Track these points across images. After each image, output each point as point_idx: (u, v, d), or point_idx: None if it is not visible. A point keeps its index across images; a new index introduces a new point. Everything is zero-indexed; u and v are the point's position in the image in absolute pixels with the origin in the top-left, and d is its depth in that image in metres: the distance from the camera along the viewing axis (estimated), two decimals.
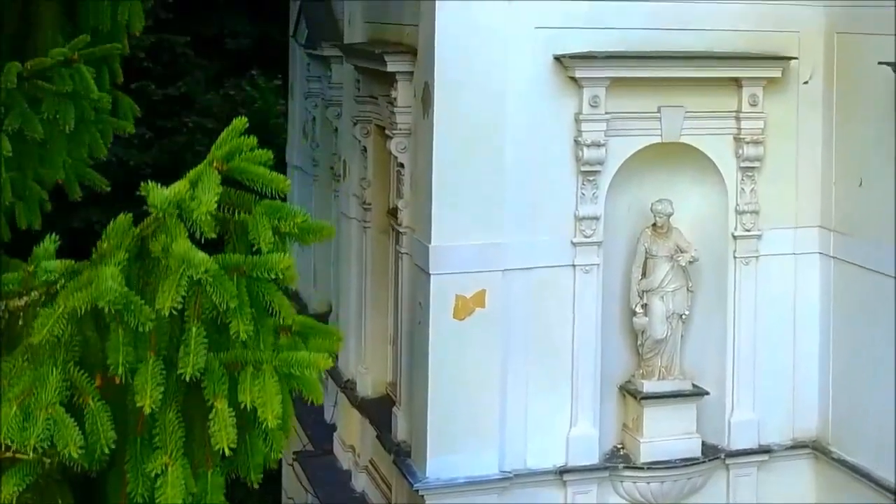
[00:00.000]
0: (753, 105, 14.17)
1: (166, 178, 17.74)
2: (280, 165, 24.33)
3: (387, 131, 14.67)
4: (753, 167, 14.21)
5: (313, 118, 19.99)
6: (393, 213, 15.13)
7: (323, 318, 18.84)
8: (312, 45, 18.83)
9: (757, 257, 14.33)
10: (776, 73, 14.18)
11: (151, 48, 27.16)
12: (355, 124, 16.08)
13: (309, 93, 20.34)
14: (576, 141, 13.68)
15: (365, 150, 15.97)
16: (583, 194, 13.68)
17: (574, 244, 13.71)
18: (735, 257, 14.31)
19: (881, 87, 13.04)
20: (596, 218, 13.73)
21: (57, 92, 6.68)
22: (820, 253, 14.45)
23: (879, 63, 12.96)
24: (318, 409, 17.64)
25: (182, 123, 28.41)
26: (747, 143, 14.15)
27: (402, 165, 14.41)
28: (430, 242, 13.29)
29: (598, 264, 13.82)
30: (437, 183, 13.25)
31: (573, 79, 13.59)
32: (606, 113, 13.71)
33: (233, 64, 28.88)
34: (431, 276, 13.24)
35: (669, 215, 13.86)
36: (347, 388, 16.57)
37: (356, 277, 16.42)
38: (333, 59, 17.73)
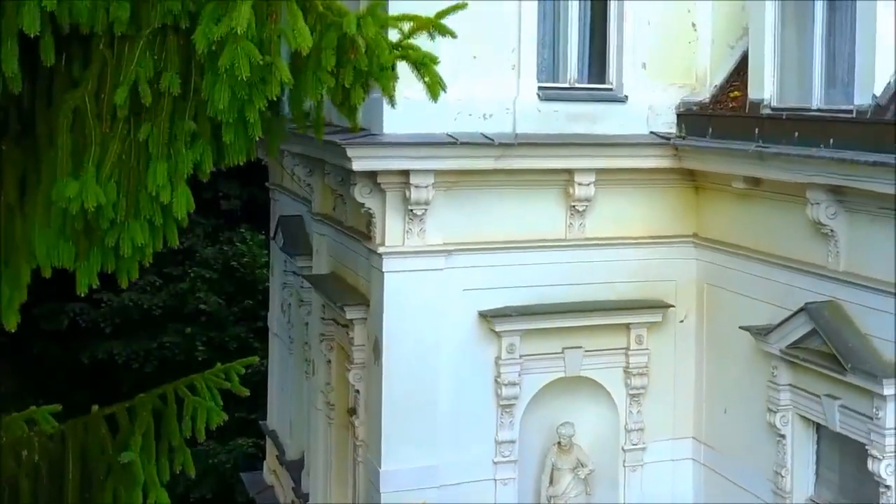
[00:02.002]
0: (639, 343, 14.43)
1: (173, 319, 17.91)
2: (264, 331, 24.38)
3: (346, 361, 14.75)
4: (640, 393, 14.47)
5: (289, 304, 19.89)
6: (352, 411, 15.12)
7: (297, 464, 18.97)
8: (288, 253, 18.77)
9: (642, 465, 14.57)
10: (658, 318, 14.42)
11: None
12: (321, 341, 16.17)
13: (285, 284, 20.28)
14: (496, 380, 13.89)
15: (329, 361, 16.06)
16: (502, 422, 13.94)
17: (495, 463, 13.91)
18: (624, 466, 14.53)
19: (740, 332, 13.35)
20: (512, 441, 13.97)
21: None
22: (692, 460, 14.66)
23: (740, 327, 13.23)
24: None
25: (186, 272, 28.53)
26: (634, 374, 14.43)
27: (358, 392, 14.53)
28: (380, 467, 13.49)
29: (514, 478, 14.04)
30: (387, 419, 13.51)
31: (493, 330, 13.74)
32: (520, 356, 13.95)
33: (226, 221, 28.92)
34: (382, 494, 13.43)
35: (571, 436, 14.14)
36: None
37: (322, 462, 16.50)
38: (306, 269, 17.71)
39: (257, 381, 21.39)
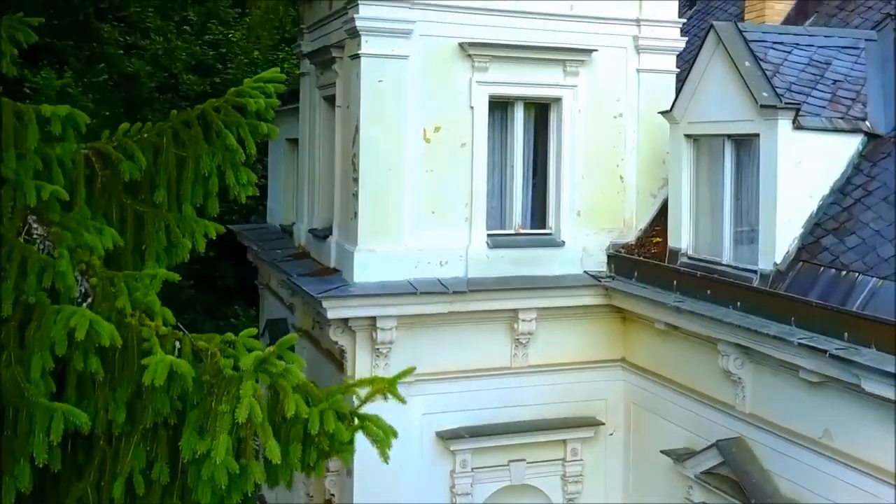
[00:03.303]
0: (574, 455, 14.46)
1: None
2: None
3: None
4: (575, 499, 14.47)
5: None
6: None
7: None
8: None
9: None
10: (590, 434, 14.40)
11: None
12: None
13: None
14: (451, 490, 13.82)
15: None
16: None
17: None
18: None
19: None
20: None
21: None
22: None
23: (661, 451, 13.20)
24: None
25: None
26: (570, 482, 14.44)
27: (333, 495, 14.44)
28: None
29: None
30: None
31: (449, 449, 13.67)
32: (472, 469, 13.91)
33: (223, 298, 28.64)
34: None
35: None
36: None
37: None
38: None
39: None
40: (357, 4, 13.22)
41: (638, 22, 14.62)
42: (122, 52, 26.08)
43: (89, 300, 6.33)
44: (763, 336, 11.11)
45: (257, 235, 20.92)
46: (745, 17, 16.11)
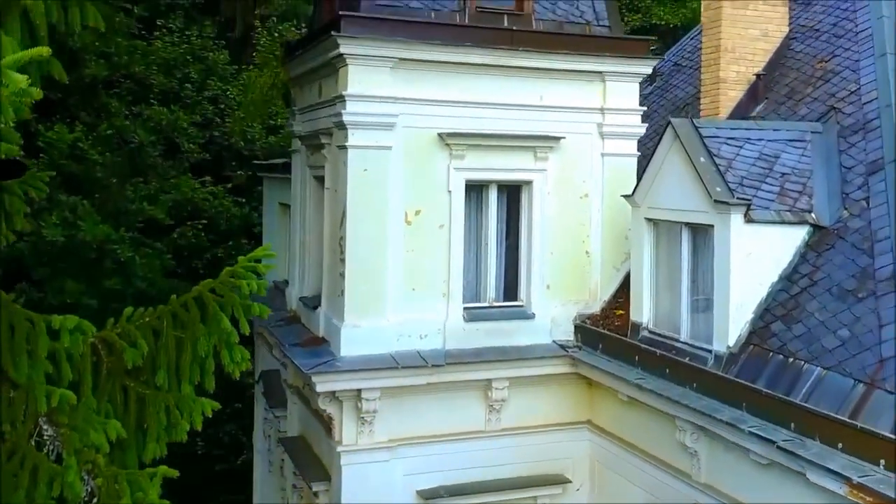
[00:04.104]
0: None
1: None
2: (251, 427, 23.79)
3: None
4: None
5: (269, 435, 19.48)
6: None
7: None
8: (267, 399, 18.43)
9: None
10: (559, 491, 14.39)
11: None
12: (293, 487, 15.89)
13: (266, 419, 19.85)
14: None
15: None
16: None
17: None
18: None
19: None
20: None
21: None
22: None
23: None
24: None
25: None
26: None
27: None
28: None
29: None
30: None
31: None
32: None
33: None
34: None
35: None
36: None
37: None
38: (281, 417, 17.43)
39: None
40: (345, 100, 13.14)
41: (602, 110, 14.59)
42: (128, 122, 25.97)
43: (94, 501, 6.24)
44: (717, 420, 11.05)
45: None
46: (701, 100, 16.05)
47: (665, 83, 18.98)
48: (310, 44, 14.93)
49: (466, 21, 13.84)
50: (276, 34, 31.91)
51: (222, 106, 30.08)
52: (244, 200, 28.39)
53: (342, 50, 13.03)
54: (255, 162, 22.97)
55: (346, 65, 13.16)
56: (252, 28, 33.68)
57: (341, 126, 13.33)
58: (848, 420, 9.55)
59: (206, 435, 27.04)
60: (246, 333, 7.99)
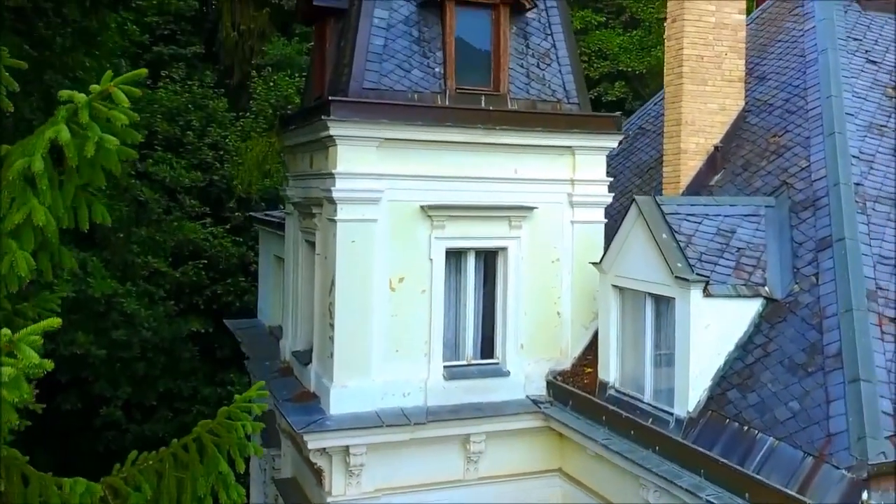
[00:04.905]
0: None
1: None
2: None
3: None
4: None
5: (268, 474, 19.36)
6: None
7: None
8: (264, 441, 18.28)
9: None
10: None
11: None
12: None
13: (261, 459, 19.70)
14: None
15: None
16: None
17: None
18: None
19: None
20: None
21: None
22: None
23: None
24: None
25: (190, 407, 27.81)
26: None
27: None
28: None
29: None
30: None
31: None
32: None
33: (220, 366, 28.33)
34: None
35: None
36: None
37: None
38: (276, 456, 17.34)
39: None
40: (335, 178, 13.12)
41: (572, 181, 14.61)
42: (134, 179, 25.90)
43: None
44: (677, 486, 11.04)
45: (249, 335, 20.69)
46: (664, 168, 16.08)
47: (630, 146, 19.03)
48: (302, 120, 14.92)
49: (447, 102, 13.85)
50: (272, 83, 31.92)
51: (221, 152, 30.01)
52: (241, 240, 28.32)
53: (332, 132, 13.02)
54: (252, 214, 22.88)
55: (336, 145, 13.15)
56: (249, 76, 33.66)
57: (331, 201, 13.30)
58: (797, 495, 9.54)
59: None
60: (241, 472, 7.94)
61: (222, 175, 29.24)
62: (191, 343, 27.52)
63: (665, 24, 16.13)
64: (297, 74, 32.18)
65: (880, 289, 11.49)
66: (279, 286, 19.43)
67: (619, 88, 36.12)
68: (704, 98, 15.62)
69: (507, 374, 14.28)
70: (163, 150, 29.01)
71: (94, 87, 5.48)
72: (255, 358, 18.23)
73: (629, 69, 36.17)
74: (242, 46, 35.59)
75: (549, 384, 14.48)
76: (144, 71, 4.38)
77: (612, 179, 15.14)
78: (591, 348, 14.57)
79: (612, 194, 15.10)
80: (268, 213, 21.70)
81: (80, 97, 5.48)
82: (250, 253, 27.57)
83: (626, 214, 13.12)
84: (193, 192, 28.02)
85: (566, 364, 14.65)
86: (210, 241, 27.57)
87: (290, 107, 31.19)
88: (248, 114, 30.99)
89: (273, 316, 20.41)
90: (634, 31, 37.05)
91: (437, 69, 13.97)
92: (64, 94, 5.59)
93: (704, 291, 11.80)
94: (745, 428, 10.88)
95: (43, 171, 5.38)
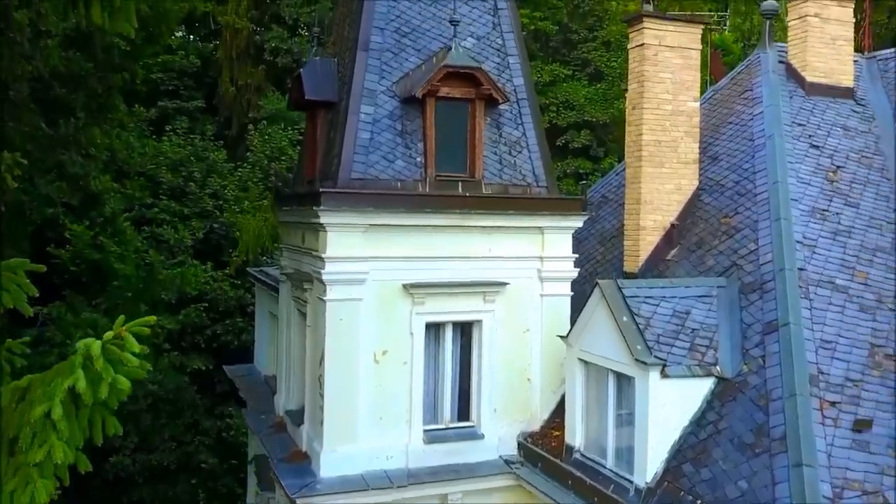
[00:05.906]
0: None
1: (184, 471, 16.53)
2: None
3: None
4: None
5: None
6: None
7: None
8: (259, 480, 18.15)
9: None
10: None
11: None
12: None
13: (258, 492, 19.56)
14: None
15: None
16: None
17: None
18: None
19: None
20: None
21: None
22: None
23: None
24: None
25: (192, 439, 27.52)
26: None
27: None
28: None
29: None
30: None
31: None
32: None
33: (220, 399, 28.11)
34: None
35: None
36: None
37: None
38: (271, 499, 17.19)
39: None
40: (324, 261, 13.07)
41: (541, 258, 14.63)
42: (140, 243, 25.81)
43: None
44: None
45: (246, 382, 20.55)
46: (625, 241, 16.09)
47: (595, 213, 19.05)
48: (296, 203, 14.88)
49: (427, 189, 13.84)
50: (267, 136, 31.88)
51: (221, 201, 29.90)
52: (239, 282, 28.17)
53: (322, 220, 12.99)
54: (249, 270, 22.76)
55: (326, 231, 13.12)
56: (246, 128, 33.63)
57: (321, 281, 13.25)
58: None
59: (206, 487, 26.81)
60: None
61: (222, 223, 29.12)
62: (192, 382, 27.33)
63: (626, 110, 16.19)
64: (290, 128, 32.13)
65: (822, 373, 11.53)
66: (273, 340, 19.33)
67: (584, 136, 36.30)
68: (662, 179, 15.66)
69: (481, 437, 14.27)
70: (167, 198, 28.88)
71: (108, 335, 5.58)
72: (252, 409, 18.11)
73: (594, 119, 36.33)
74: (240, 100, 35.72)
75: (521, 445, 14.45)
76: (153, 318, 4.46)
77: (577, 256, 15.13)
78: (559, 411, 14.53)
79: (578, 269, 15.09)
80: (263, 269, 21.56)
81: (96, 346, 5.61)
82: (247, 295, 27.44)
83: (591, 293, 13.12)
84: (195, 247, 27.90)
85: (536, 426, 14.62)
86: (211, 285, 27.42)
87: (283, 157, 31.15)
88: (245, 164, 30.90)
89: (268, 365, 20.29)
90: (599, 84, 37.22)
91: (418, 158, 13.97)
92: (81, 344, 5.71)
93: (662, 373, 11.81)
94: (699, 502, 10.86)
95: (62, 417, 5.50)
